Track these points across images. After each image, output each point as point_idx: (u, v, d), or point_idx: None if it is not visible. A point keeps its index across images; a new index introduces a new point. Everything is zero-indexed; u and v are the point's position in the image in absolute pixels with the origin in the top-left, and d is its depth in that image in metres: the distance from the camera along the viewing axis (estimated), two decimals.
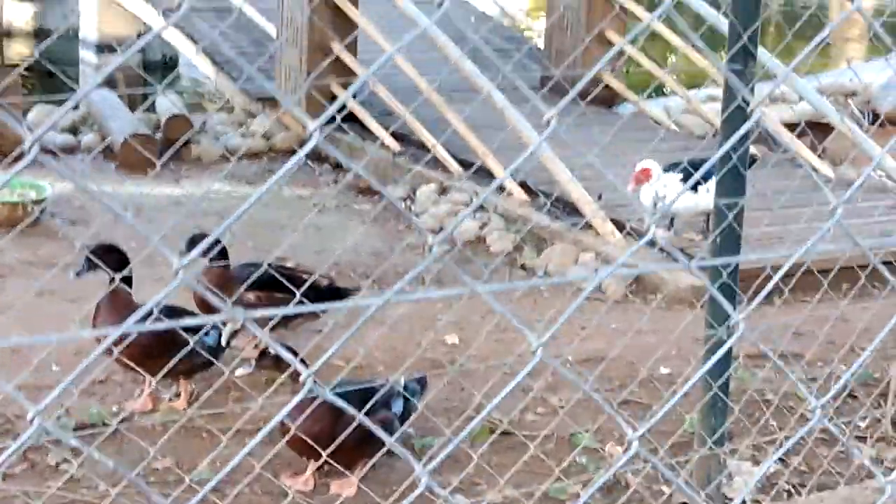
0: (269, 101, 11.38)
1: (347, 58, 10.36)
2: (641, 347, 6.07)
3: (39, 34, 16.94)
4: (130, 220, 1.24)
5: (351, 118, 10.32)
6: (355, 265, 8.00)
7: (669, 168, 7.81)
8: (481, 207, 8.95)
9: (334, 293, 6.24)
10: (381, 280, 7.41)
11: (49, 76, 12.58)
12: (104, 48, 14.43)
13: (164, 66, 15.46)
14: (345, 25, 10.39)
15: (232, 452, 4.85)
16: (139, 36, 14.23)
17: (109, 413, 5.30)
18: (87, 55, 14.58)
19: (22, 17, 17.08)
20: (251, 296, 5.91)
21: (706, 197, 7.48)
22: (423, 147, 9.73)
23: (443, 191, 9.46)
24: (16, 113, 9.66)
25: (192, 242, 5.63)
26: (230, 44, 12.13)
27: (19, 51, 16.01)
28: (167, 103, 11.11)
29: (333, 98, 10.32)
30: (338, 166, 10.44)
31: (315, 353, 6.00)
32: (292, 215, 8.82)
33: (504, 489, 4.77)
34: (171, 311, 5.16)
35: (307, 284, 5.37)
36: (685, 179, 7.60)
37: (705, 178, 7.68)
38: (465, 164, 9.34)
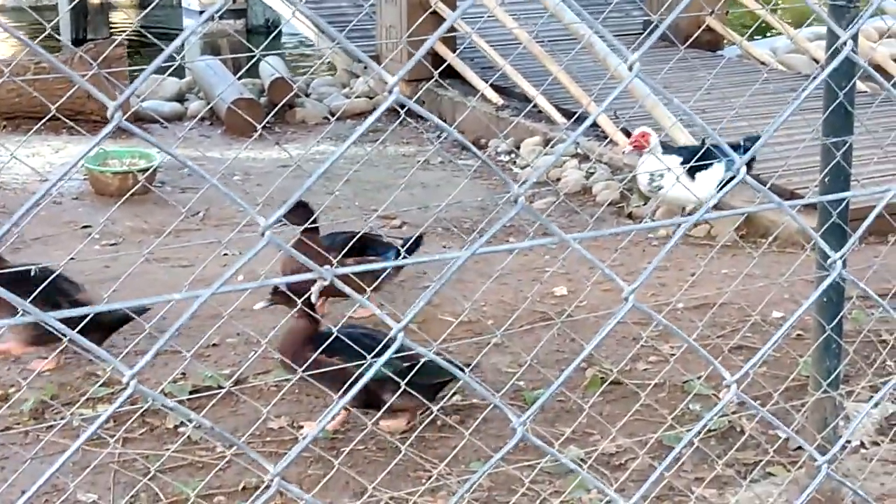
0: (372, 61, 11.39)
1: (447, 13, 10.33)
2: (753, 292, 6.00)
3: (143, 4, 17.16)
4: (216, 184, 1.25)
5: (452, 74, 10.30)
6: (461, 220, 8.00)
7: (672, 151, 7.68)
8: (586, 157, 8.89)
9: (412, 245, 6.27)
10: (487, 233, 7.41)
11: (153, 46, 12.74)
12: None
13: (266, 30, 15.57)
14: None
15: (343, 410, 4.90)
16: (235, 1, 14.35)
17: (224, 375, 5.37)
18: (189, 23, 14.72)
19: None
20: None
21: (702, 187, 7.35)
22: (525, 99, 9.69)
23: (547, 142, 9.41)
24: (122, 83, 9.79)
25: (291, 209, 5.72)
26: (330, 4, 12.17)
27: (124, 21, 16.22)
28: (270, 68, 11.19)
29: (434, 55, 10.31)
30: (441, 121, 10.43)
31: (424, 308, 6.03)
32: (397, 173, 8.84)
33: (617, 438, 4.75)
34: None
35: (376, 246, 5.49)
36: (686, 164, 7.38)
37: (704, 166, 7.49)
38: (569, 114, 9.29)
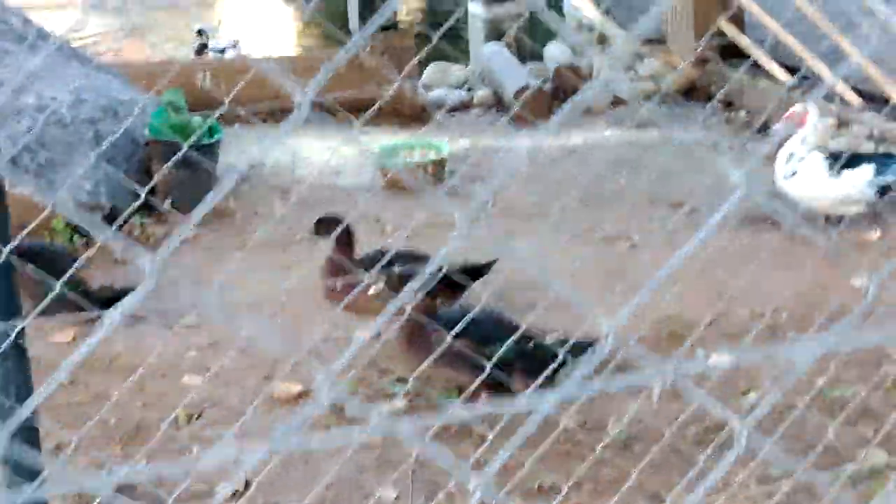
0: (657, 43, 11.25)
1: None
2: None
3: None
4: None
5: (739, 53, 10.10)
6: (750, 207, 7.81)
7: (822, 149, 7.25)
8: (883, 139, 8.56)
9: (474, 272, 5.99)
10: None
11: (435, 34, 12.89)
12: (492, 0, 14.65)
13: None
14: None
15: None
16: None
17: None
18: (474, 8, 14.85)
19: None
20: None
21: (845, 186, 6.97)
22: (817, 78, 9.40)
23: (840, 124, 9.10)
24: (411, 76, 9.96)
25: (320, 222, 5.84)
26: None
27: (410, 9, 16.49)
28: (555, 52, 11.19)
29: (721, 35, 10.11)
30: (728, 105, 10.20)
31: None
32: (681, 159, 8.69)
33: None
34: None
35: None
36: (831, 165, 7.00)
37: (851, 163, 7.03)
38: (865, 95, 8.96)
